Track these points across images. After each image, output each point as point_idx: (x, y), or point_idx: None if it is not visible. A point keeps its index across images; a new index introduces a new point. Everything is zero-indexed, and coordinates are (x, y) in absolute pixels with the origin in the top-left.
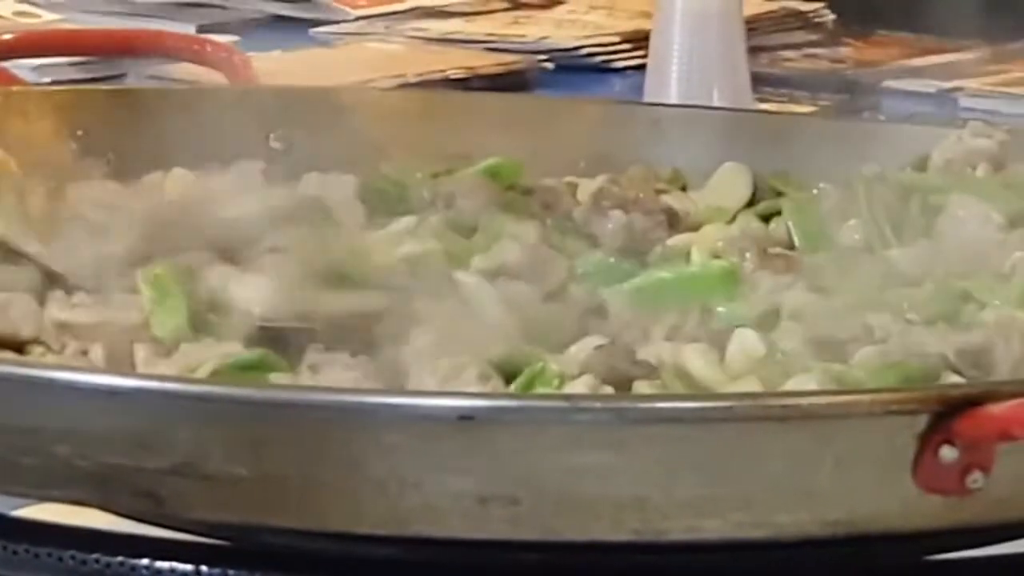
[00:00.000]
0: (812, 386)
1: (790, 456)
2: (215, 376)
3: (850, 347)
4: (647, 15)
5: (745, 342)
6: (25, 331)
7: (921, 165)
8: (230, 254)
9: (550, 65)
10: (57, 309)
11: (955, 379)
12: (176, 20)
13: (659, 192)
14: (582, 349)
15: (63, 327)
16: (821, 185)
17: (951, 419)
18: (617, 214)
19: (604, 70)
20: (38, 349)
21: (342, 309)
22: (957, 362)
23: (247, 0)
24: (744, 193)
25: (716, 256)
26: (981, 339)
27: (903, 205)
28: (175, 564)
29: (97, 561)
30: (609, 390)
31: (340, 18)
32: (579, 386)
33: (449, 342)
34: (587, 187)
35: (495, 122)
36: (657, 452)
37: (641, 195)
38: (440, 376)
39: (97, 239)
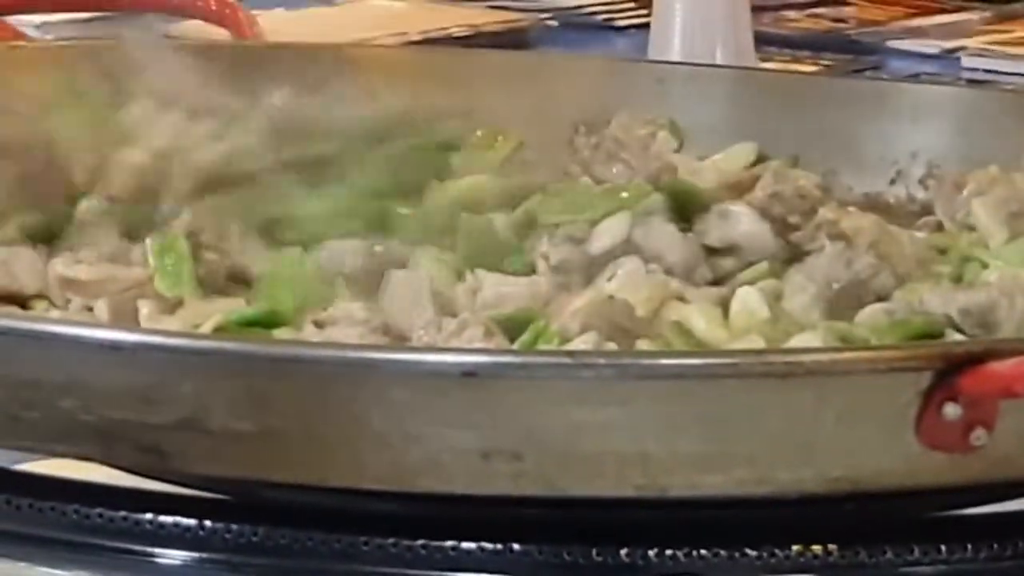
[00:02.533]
0: (815, 343)
1: (793, 413)
2: (219, 332)
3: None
4: None
5: (748, 301)
6: (29, 286)
7: None
8: None
9: (553, 23)
10: (62, 265)
11: (959, 337)
12: None
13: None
14: (585, 303)
15: (68, 283)
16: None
17: (954, 376)
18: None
19: (607, 28)
20: (41, 304)
21: None
22: (961, 321)
23: None
24: (747, 160)
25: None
26: (984, 298)
27: None
28: (179, 519)
29: (100, 516)
30: (612, 347)
31: None
32: (582, 343)
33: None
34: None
35: (498, 79)
36: (660, 408)
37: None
38: (444, 333)
39: None
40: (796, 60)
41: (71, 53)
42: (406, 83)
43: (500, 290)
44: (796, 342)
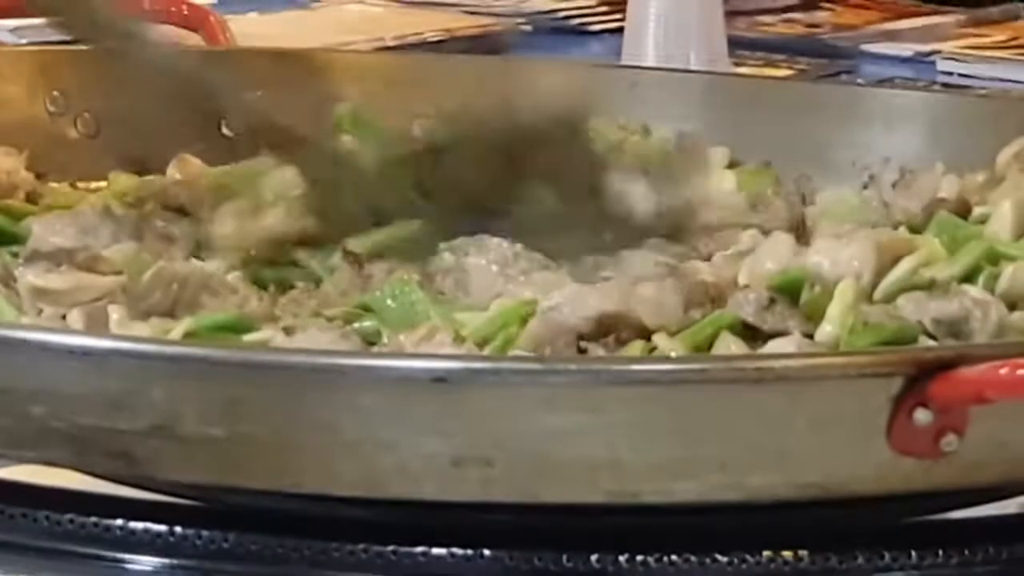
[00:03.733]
0: (788, 349)
1: (764, 418)
2: (189, 338)
3: None
4: None
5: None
6: None
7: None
8: None
9: (528, 28)
10: (32, 275)
11: (930, 343)
12: None
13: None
14: None
15: (39, 292)
16: None
17: (925, 382)
18: None
19: (581, 33)
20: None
21: None
22: (934, 330)
23: None
24: (720, 165)
25: None
26: (957, 308)
27: None
28: (149, 524)
29: (71, 521)
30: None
31: None
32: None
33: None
34: None
35: (472, 84)
36: (631, 414)
37: None
38: (413, 339)
39: None
40: (770, 64)
41: (46, 58)
42: (380, 88)
43: None
44: (769, 348)
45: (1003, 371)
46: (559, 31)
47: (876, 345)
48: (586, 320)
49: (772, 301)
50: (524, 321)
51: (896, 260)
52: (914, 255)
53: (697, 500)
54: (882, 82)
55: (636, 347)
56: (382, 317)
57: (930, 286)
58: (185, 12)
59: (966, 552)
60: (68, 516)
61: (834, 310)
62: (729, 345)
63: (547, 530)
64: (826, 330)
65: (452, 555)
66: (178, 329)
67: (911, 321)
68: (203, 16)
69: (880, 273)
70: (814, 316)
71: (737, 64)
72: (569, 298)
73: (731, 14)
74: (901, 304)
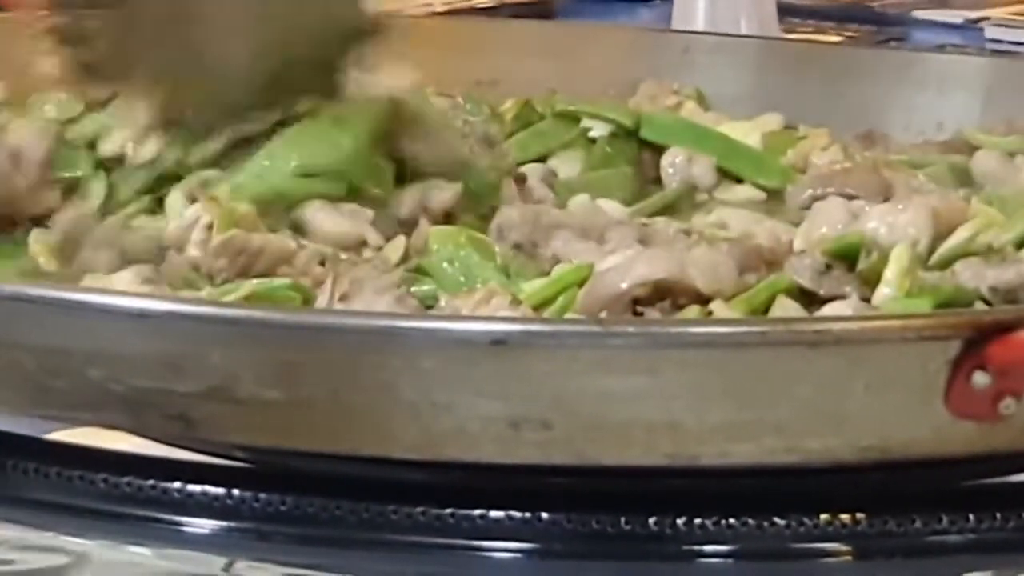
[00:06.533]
0: (845, 312)
1: (822, 381)
2: (247, 300)
3: None
4: None
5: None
6: None
7: None
8: None
9: None
10: None
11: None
12: None
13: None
14: None
15: None
16: None
17: (984, 345)
18: None
19: (631, 0)
20: None
21: None
22: (990, 297)
23: None
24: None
25: None
26: (1014, 276)
27: None
28: (207, 487)
29: (129, 484)
30: None
31: None
32: None
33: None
34: None
35: (523, 49)
36: (689, 377)
37: None
38: (470, 302)
39: None
40: (820, 31)
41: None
42: (434, 53)
43: None
44: (826, 311)
45: None
46: None
47: (933, 306)
48: (641, 284)
49: (828, 267)
50: (581, 285)
51: (952, 226)
52: (971, 222)
53: (755, 463)
54: (933, 49)
55: (692, 311)
56: (439, 280)
57: (986, 252)
58: None
59: (1023, 516)
60: (126, 479)
61: (891, 273)
62: (786, 309)
63: (605, 493)
64: (883, 292)
65: (510, 518)
66: (237, 292)
67: (968, 287)
68: None
69: (936, 239)
70: (871, 281)
71: (786, 31)
72: (624, 262)
73: None
74: (958, 270)
